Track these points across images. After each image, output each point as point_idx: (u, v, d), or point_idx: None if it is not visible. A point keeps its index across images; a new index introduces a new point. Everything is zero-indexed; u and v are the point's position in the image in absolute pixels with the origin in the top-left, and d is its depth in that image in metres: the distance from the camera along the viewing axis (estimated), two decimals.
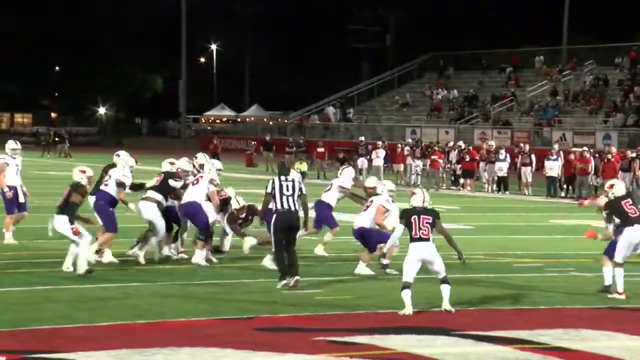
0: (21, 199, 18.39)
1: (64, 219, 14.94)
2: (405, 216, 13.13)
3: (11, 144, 18.90)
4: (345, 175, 18.10)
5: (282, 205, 14.17)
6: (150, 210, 16.10)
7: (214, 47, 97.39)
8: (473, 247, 19.43)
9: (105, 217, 15.84)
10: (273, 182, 14.38)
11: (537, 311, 13.15)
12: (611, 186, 14.58)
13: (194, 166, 17.12)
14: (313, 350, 10.42)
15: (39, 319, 11.60)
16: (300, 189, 14.39)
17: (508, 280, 15.50)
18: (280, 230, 14.22)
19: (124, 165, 16.35)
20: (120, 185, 16.05)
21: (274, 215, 14.20)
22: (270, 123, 71.89)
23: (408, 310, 12.59)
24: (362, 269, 15.78)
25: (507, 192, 35.22)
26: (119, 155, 16.96)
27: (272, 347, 10.51)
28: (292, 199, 14.23)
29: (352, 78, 74.41)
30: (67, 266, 15.03)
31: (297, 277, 14.14)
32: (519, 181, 35.80)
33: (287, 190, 14.25)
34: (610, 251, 14.29)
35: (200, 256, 16.18)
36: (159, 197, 16.25)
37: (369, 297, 13.78)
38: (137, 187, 16.52)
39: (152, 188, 16.38)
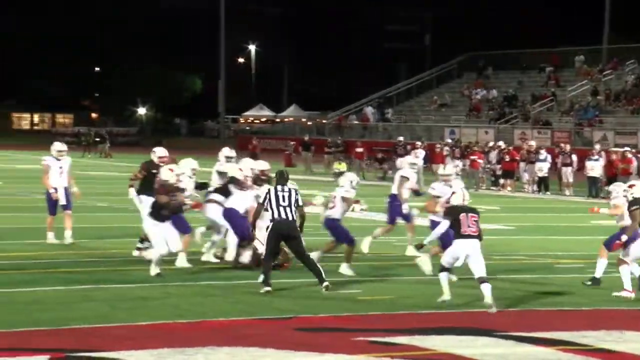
0: (62, 201, 18.32)
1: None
2: (453, 214, 13.17)
3: (57, 146, 18.84)
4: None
5: (279, 214, 14.02)
6: (213, 212, 16.40)
7: (252, 47, 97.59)
8: (514, 247, 19.33)
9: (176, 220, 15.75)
10: (268, 193, 14.27)
11: (579, 312, 13.03)
12: (630, 186, 14.33)
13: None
14: (353, 350, 10.37)
15: (79, 318, 11.65)
16: (297, 200, 14.16)
17: (549, 281, 15.38)
18: (274, 239, 14.12)
19: (183, 171, 16.16)
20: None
21: (270, 224, 14.14)
22: (309, 123, 71.87)
23: (446, 295, 12.87)
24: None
25: (547, 193, 34.98)
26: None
27: (311, 347, 10.48)
28: (290, 209, 14.05)
29: (390, 78, 74.29)
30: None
31: (326, 284, 13.96)
32: (560, 181, 35.54)
33: (284, 200, 14.07)
34: (609, 243, 14.32)
35: (246, 256, 16.16)
36: (220, 199, 16.43)
37: (410, 297, 13.72)
38: (201, 187, 17.04)
39: (217, 190, 16.64)
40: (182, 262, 15.84)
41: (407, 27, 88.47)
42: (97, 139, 59.71)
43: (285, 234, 14.08)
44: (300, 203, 14.22)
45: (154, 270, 14.77)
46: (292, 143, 53.35)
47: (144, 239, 16.25)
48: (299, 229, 14.15)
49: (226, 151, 17.87)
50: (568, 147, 36.82)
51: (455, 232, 13.09)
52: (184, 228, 15.81)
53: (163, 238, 14.79)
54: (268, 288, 13.75)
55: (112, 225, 21.69)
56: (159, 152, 17.34)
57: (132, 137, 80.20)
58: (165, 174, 15.36)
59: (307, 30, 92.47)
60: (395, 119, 63.55)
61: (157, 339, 10.69)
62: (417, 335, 11.15)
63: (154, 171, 16.59)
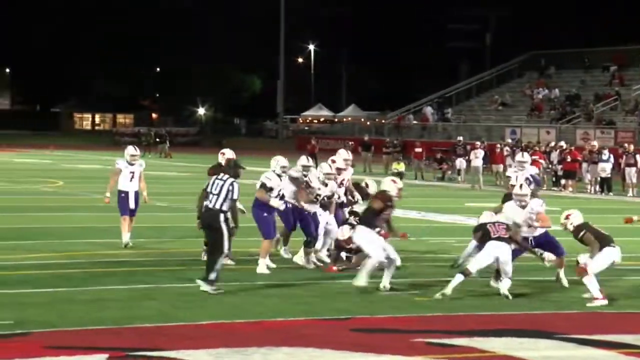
0: (131, 205, 18.11)
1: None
2: (481, 229, 13.95)
3: (130, 150, 18.58)
4: None
5: (208, 203, 13.97)
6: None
7: (311, 47, 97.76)
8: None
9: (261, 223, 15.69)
10: (209, 180, 14.32)
11: None
12: None
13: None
14: (411, 351, 10.31)
15: (140, 317, 11.72)
16: (230, 192, 13.70)
17: (613, 283, 15.14)
18: (202, 228, 14.37)
19: (275, 166, 15.95)
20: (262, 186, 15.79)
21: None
22: (368, 123, 71.78)
23: (447, 290, 13.29)
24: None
25: (610, 193, 34.55)
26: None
27: (369, 347, 10.43)
28: (217, 198, 13.77)
29: (450, 78, 73.96)
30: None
31: (198, 281, 13.64)
32: (623, 182, 35.08)
33: (215, 189, 13.89)
34: None
35: (299, 257, 16.19)
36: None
37: (468, 298, 13.60)
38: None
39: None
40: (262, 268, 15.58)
41: (468, 27, 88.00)
42: (157, 139, 60.19)
43: (206, 223, 13.99)
44: (235, 197, 13.74)
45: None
46: (350, 143, 53.27)
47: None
48: (221, 220, 13.65)
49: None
50: (632, 147, 36.34)
51: (488, 238, 13.70)
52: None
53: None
54: (207, 287, 13.49)
55: (171, 225, 21.80)
56: (229, 154, 16.59)
57: (192, 137, 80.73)
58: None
59: (366, 30, 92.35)
60: (455, 118, 63.24)
61: (215, 338, 10.72)
62: (476, 337, 11.05)
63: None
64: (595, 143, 39.04)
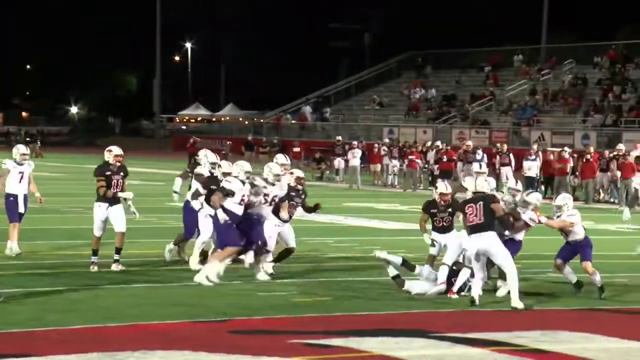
0: (21, 209, 17.00)
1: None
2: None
3: (21, 149, 17.36)
4: None
5: None
6: None
7: (188, 45, 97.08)
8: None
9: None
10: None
11: (514, 313, 13.04)
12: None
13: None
14: (288, 353, 10.28)
15: (10, 323, 11.41)
16: None
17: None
18: None
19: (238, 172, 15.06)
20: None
21: None
22: (246, 122, 71.63)
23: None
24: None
25: None
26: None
27: (246, 349, 10.36)
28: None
29: (330, 77, 74.25)
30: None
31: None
32: (498, 181, 35.68)
33: None
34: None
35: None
36: None
37: (346, 299, 13.64)
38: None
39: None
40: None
41: (349, 26, 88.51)
42: (28, 139, 58.91)
43: None
44: None
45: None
46: (228, 143, 53.12)
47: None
48: None
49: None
50: (505, 147, 37.02)
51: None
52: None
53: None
54: None
55: (45, 227, 21.30)
56: (116, 151, 15.83)
57: (64, 137, 79.33)
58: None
59: (246, 28, 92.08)
60: (334, 118, 63.55)
61: (88, 342, 10.51)
62: (353, 337, 11.08)
63: (109, 173, 15.54)
64: (470, 143, 39.68)
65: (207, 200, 15.30)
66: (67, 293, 13.40)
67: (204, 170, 15.91)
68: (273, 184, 15.19)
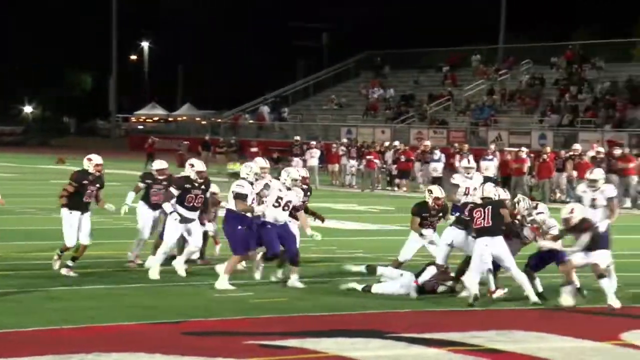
0: None
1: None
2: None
3: None
4: None
5: None
6: None
7: (145, 44, 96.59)
8: None
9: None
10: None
11: (470, 313, 13.10)
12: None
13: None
14: (244, 354, 10.25)
15: None
16: None
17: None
18: None
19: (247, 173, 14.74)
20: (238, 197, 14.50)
21: None
22: (203, 122, 71.36)
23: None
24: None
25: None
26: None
27: (201, 351, 10.32)
28: None
29: (288, 77, 74.18)
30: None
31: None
32: None
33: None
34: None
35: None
36: None
37: (303, 299, 13.62)
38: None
39: None
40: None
41: (307, 25, 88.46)
42: None
43: None
44: None
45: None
46: (185, 143, 52.90)
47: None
48: None
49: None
50: (467, 147, 37.15)
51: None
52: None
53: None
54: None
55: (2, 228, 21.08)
56: (97, 160, 15.50)
57: (18, 137, 78.55)
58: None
59: (203, 27, 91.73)
60: (292, 118, 63.52)
61: (41, 345, 10.42)
62: (309, 338, 11.07)
63: (85, 182, 15.23)
64: (428, 143, 39.81)
65: (180, 201, 15.09)
66: (20, 295, 13.26)
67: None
68: (289, 189, 14.88)
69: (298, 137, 43.63)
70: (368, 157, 37.64)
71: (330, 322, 12.10)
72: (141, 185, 16.39)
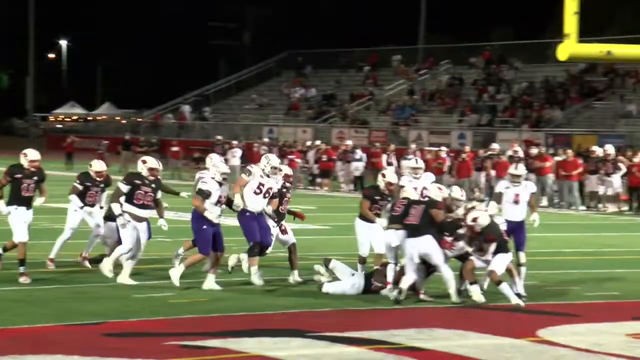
0: None
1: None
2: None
3: None
4: None
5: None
6: None
7: (63, 42, 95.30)
8: (329, 247, 19.44)
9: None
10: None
11: (391, 312, 13.17)
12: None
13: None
14: (163, 355, 10.18)
15: None
16: None
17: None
18: None
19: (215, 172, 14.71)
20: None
21: None
22: (124, 122, 70.69)
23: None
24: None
25: None
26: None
27: (121, 352, 10.23)
28: None
29: (209, 76, 73.83)
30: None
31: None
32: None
33: None
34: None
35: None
36: None
37: (223, 299, 13.57)
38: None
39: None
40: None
41: (227, 25, 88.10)
42: None
43: None
44: None
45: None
46: (105, 142, 52.30)
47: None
48: None
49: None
50: (392, 147, 37.31)
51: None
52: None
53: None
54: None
55: None
56: (32, 155, 15.12)
57: None
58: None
59: (123, 25, 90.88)
60: (213, 117, 63.26)
61: None
62: (230, 338, 11.03)
63: (19, 176, 14.90)
64: (349, 142, 39.96)
65: (129, 199, 14.76)
66: None
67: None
68: (268, 176, 14.90)
69: (220, 137, 43.47)
70: (290, 156, 37.67)
71: (251, 322, 12.07)
72: (79, 187, 16.15)
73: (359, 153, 36.48)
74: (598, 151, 31.60)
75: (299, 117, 59.38)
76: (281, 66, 67.49)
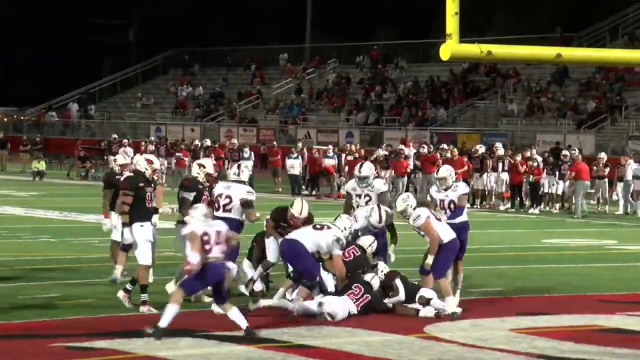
0: None
1: None
2: None
3: None
4: None
5: None
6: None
7: None
8: None
9: None
10: None
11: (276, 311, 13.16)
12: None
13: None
14: (50, 357, 10.07)
15: None
16: None
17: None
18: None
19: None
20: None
21: None
22: (5, 120, 69.19)
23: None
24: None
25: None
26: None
27: (5, 354, 10.06)
28: None
29: (94, 73, 72.80)
30: None
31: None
32: (274, 178, 36.30)
33: None
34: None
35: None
36: None
37: (109, 299, 13.41)
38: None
39: None
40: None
41: (111, 21, 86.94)
42: None
43: None
44: None
45: None
46: None
47: None
48: None
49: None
50: (300, 145, 37.27)
51: None
52: None
53: None
54: None
55: None
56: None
57: None
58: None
59: (3, 21, 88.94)
60: (99, 115, 62.45)
61: None
62: (117, 339, 10.93)
63: None
64: (235, 141, 39.94)
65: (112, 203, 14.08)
66: None
67: None
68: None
69: (115, 135, 43.21)
70: (178, 155, 37.43)
71: (138, 322, 11.93)
72: None
73: (247, 151, 36.49)
74: (481, 149, 32.11)
75: (186, 116, 59.07)
76: (168, 64, 67.01)
